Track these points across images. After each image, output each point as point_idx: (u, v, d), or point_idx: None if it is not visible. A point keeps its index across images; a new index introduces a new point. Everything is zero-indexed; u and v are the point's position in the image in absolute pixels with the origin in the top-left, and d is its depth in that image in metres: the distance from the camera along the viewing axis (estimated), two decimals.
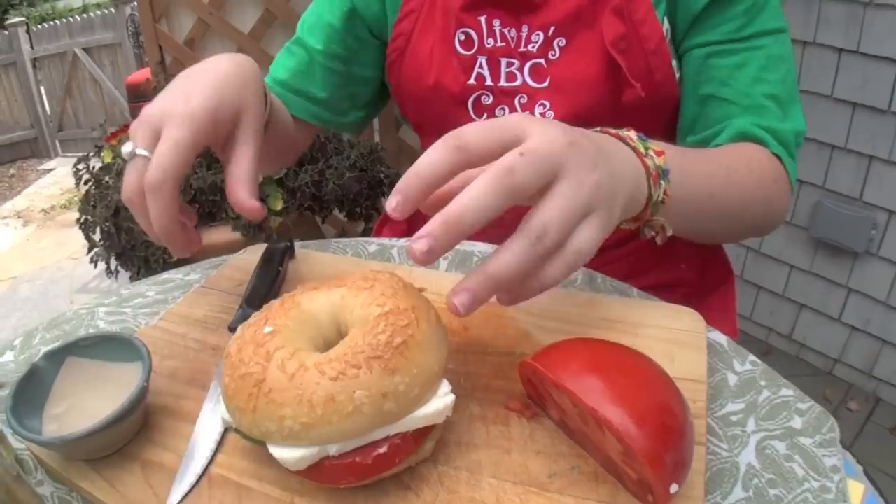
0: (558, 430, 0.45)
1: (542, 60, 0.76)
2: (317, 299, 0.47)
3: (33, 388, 0.48)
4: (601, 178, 0.44)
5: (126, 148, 0.53)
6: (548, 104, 0.76)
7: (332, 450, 0.40)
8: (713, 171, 0.64)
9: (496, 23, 0.76)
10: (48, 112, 6.27)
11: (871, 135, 1.78)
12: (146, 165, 0.52)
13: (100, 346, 0.51)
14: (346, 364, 0.40)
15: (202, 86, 0.56)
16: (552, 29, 0.74)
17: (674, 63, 0.75)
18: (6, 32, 5.91)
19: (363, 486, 0.42)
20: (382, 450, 0.40)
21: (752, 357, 0.55)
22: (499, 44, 0.76)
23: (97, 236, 1.69)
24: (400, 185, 0.41)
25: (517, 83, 0.77)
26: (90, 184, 1.65)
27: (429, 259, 0.39)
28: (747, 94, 0.73)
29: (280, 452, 0.40)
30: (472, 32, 0.77)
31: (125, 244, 1.60)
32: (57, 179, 5.49)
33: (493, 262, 0.40)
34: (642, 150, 0.53)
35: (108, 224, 1.60)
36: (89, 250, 1.71)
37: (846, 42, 1.77)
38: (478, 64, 0.77)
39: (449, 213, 0.39)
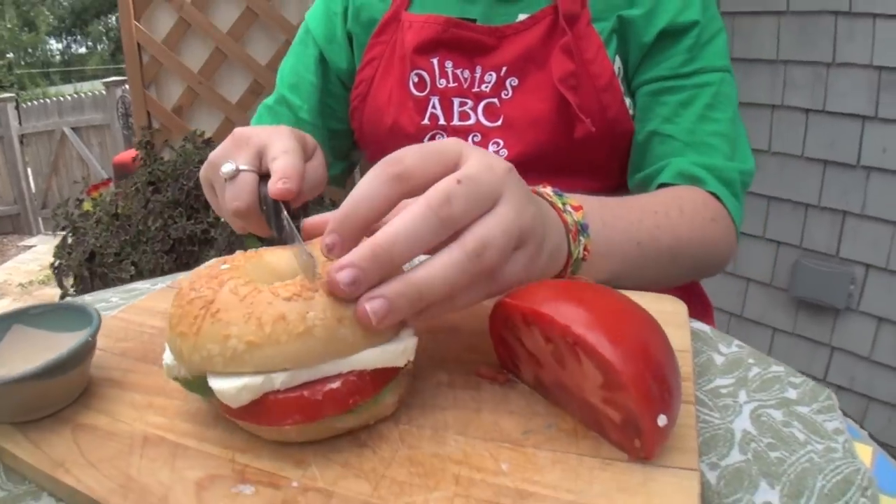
0: (534, 393, 0.42)
1: (496, 100, 0.77)
2: (280, 254, 0.45)
3: None
4: (537, 212, 0.42)
5: (226, 168, 0.54)
6: (501, 142, 0.78)
7: (278, 381, 0.35)
8: (639, 218, 0.62)
9: (448, 64, 0.78)
10: (33, 189, 6.27)
11: (843, 190, 1.82)
12: (254, 180, 0.54)
13: (50, 316, 0.48)
14: (303, 287, 0.37)
15: (275, 129, 0.59)
16: (504, 69, 0.76)
17: (627, 101, 0.77)
18: None
19: (313, 442, 0.38)
20: (335, 385, 0.36)
21: (737, 341, 0.53)
22: (451, 84, 0.78)
23: (69, 282, 1.64)
24: (335, 223, 0.37)
25: (470, 122, 0.78)
26: (67, 230, 1.62)
27: (354, 291, 0.35)
28: (691, 132, 0.74)
29: (220, 384, 0.36)
30: (425, 74, 0.79)
31: (98, 290, 1.56)
32: (37, 256, 5.40)
33: (422, 272, 0.36)
34: (560, 205, 0.51)
35: (82, 268, 1.56)
36: (61, 297, 1.66)
37: (812, 102, 1.84)
38: (431, 104, 0.79)
39: (378, 242, 0.35)
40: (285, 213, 0.50)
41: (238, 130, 0.58)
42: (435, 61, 0.78)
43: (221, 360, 0.35)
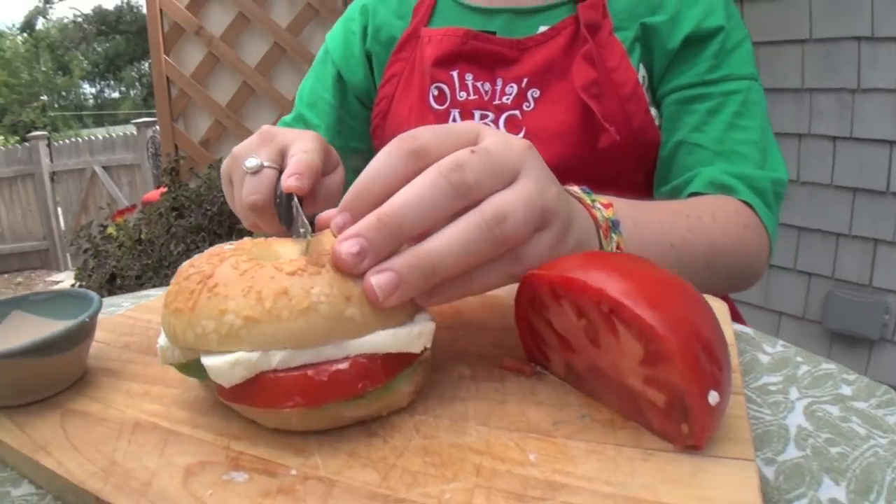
0: (564, 385, 0.38)
1: (517, 112, 0.75)
2: (288, 244, 0.42)
3: None
4: (560, 193, 0.39)
5: (251, 162, 0.53)
6: None
7: (276, 359, 0.32)
8: (671, 221, 0.59)
9: (468, 77, 0.76)
10: (62, 225, 6.38)
11: (873, 218, 1.77)
12: (274, 177, 0.53)
13: (51, 303, 0.47)
14: (308, 263, 0.34)
15: (303, 132, 0.58)
16: (525, 81, 0.74)
17: (653, 110, 0.74)
18: (27, 145, 6.14)
19: (318, 431, 0.34)
20: (342, 366, 0.32)
21: (782, 341, 0.49)
22: (472, 97, 0.76)
23: None
24: (348, 199, 0.34)
25: None
26: (89, 252, 1.62)
27: (358, 263, 0.32)
28: (720, 140, 0.71)
29: (213, 360, 0.32)
30: (445, 87, 0.77)
31: None
32: None
33: (434, 242, 0.33)
34: (588, 201, 0.48)
35: (103, 290, 1.55)
36: None
37: (839, 129, 1.80)
38: (451, 117, 0.77)
39: (385, 210, 0.32)
40: (296, 203, 0.48)
41: (265, 128, 0.57)
42: (455, 74, 0.77)
43: (216, 337, 0.32)
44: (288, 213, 0.50)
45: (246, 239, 0.42)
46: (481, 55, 0.76)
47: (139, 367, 0.44)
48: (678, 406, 0.29)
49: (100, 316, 0.59)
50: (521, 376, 0.39)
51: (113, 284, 1.56)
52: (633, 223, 0.53)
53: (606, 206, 0.49)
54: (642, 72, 0.74)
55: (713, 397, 0.28)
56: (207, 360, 0.32)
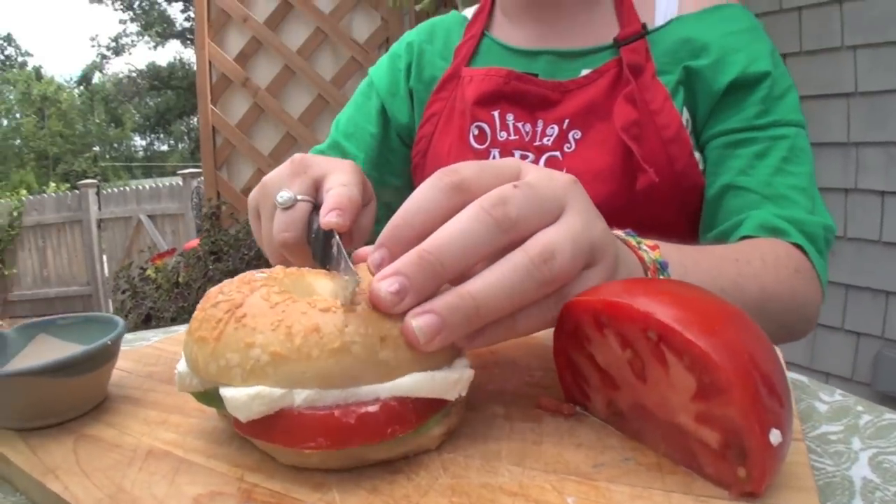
0: (606, 427, 0.35)
1: (558, 153, 0.74)
2: (322, 276, 0.40)
3: None
4: (606, 228, 0.37)
5: (283, 196, 0.50)
6: None
7: (300, 398, 0.30)
8: (721, 266, 0.56)
9: (509, 117, 0.76)
10: (105, 272, 6.55)
11: None
12: (308, 211, 0.50)
13: (77, 328, 0.46)
14: (344, 303, 0.32)
15: (339, 161, 0.56)
16: (567, 122, 0.73)
17: (697, 155, 0.73)
18: (77, 192, 6.38)
19: (337, 468, 0.32)
20: (372, 408, 0.30)
21: (840, 391, 0.45)
22: (512, 137, 0.76)
23: None
24: (386, 235, 0.33)
25: None
26: (127, 293, 1.64)
27: (398, 302, 0.30)
28: (768, 184, 0.69)
29: (231, 393, 0.30)
30: (486, 126, 0.77)
31: None
32: None
33: (479, 282, 0.31)
34: (634, 243, 0.46)
35: (138, 330, 1.56)
36: None
37: (887, 183, 1.75)
38: (491, 156, 0.76)
39: (426, 247, 0.31)
40: (338, 240, 0.45)
41: (298, 156, 0.53)
42: (496, 114, 0.76)
43: (240, 371, 0.30)
44: (325, 251, 0.47)
45: (278, 267, 0.41)
46: (523, 96, 0.75)
47: (160, 395, 0.43)
48: (735, 446, 0.26)
49: (127, 347, 0.58)
50: (558, 417, 0.36)
51: (148, 325, 1.57)
52: (682, 266, 0.50)
53: (653, 248, 0.47)
54: (686, 115, 0.72)
55: (775, 436, 0.25)
56: (226, 392, 0.31)
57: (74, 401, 0.39)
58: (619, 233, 0.47)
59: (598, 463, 0.31)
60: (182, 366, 0.35)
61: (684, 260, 0.51)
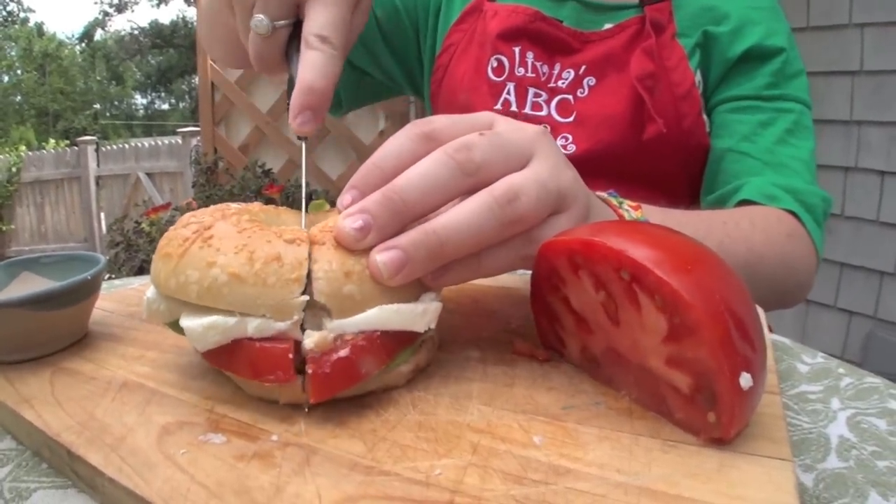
0: (580, 373, 0.34)
1: (570, 97, 0.75)
2: (298, 216, 0.40)
3: None
4: (577, 177, 0.37)
5: (259, 23, 0.43)
6: (570, 137, 0.75)
7: (252, 326, 0.30)
8: (708, 227, 0.56)
9: (529, 55, 0.77)
10: (103, 229, 6.53)
11: None
12: (284, 37, 0.44)
13: (60, 266, 0.47)
14: (310, 235, 0.32)
15: None
16: (583, 68, 0.75)
17: (704, 117, 0.74)
18: (76, 148, 6.32)
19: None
20: (343, 353, 0.30)
21: (822, 354, 0.45)
22: (529, 74, 0.77)
23: None
24: (357, 178, 0.33)
25: (542, 113, 0.77)
26: (120, 245, 1.64)
27: (361, 238, 0.31)
28: (770, 152, 0.69)
29: (189, 323, 0.30)
30: (505, 60, 0.77)
31: None
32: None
33: (443, 218, 0.31)
34: (615, 203, 0.46)
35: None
36: None
37: (888, 164, 1.73)
38: (506, 90, 0.77)
39: (390, 186, 0.31)
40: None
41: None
42: (517, 50, 0.77)
43: (197, 288, 0.30)
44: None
45: (256, 203, 0.40)
46: (545, 37, 0.76)
47: (140, 333, 0.43)
48: (705, 390, 0.26)
49: (112, 290, 0.58)
50: (533, 362, 0.36)
51: (138, 276, 1.57)
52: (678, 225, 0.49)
53: (635, 208, 0.47)
54: (698, 77, 0.73)
55: (745, 380, 0.25)
56: (184, 322, 0.31)
57: (54, 335, 0.39)
58: (601, 193, 0.46)
59: (568, 405, 0.31)
60: (150, 292, 0.34)
61: (668, 221, 0.50)
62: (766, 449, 0.27)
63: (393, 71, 0.87)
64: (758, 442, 0.27)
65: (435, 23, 0.85)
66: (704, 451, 0.27)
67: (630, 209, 0.46)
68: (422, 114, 1.62)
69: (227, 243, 0.31)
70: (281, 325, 0.30)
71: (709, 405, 0.26)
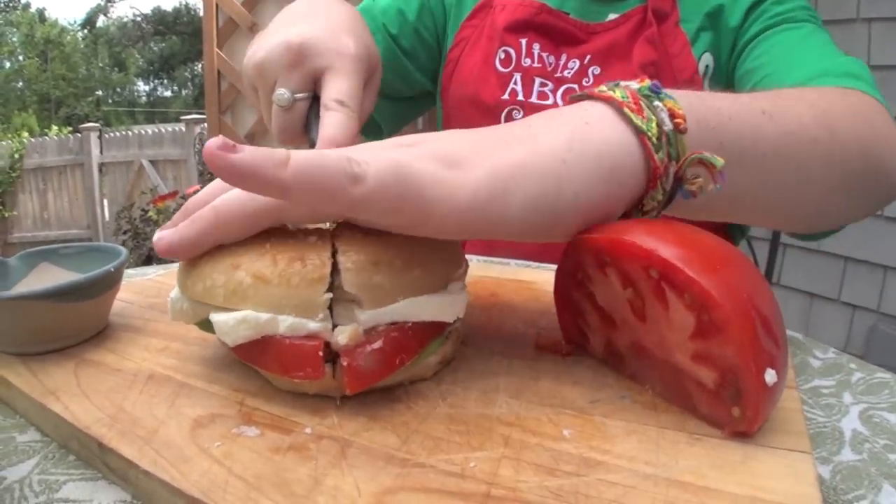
0: (603, 367, 0.35)
1: (576, 86, 0.77)
2: None
3: None
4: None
5: (281, 96, 0.47)
6: None
7: (283, 325, 0.30)
8: (750, 98, 0.41)
9: (535, 46, 0.78)
10: (106, 216, 6.53)
11: None
12: (306, 109, 0.48)
13: (79, 257, 0.46)
14: (332, 228, 0.33)
15: (343, 25, 0.50)
16: (588, 58, 0.76)
17: None
18: (79, 135, 6.32)
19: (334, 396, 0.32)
20: (376, 345, 0.30)
21: (833, 349, 0.45)
22: (535, 65, 0.78)
23: None
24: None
25: (548, 102, 0.78)
26: (128, 234, 1.64)
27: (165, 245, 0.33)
28: (790, 53, 0.65)
29: (219, 318, 0.31)
30: (512, 51, 0.79)
31: None
32: None
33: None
34: (606, 90, 0.35)
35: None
36: None
37: None
38: (513, 80, 0.79)
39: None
40: None
41: (297, 40, 0.47)
42: (524, 42, 0.78)
43: (223, 292, 0.31)
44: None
45: None
46: (551, 29, 0.78)
47: (161, 325, 0.43)
48: (730, 385, 0.27)
49: (128, 280, 0.59)
50: (556, 356, 0.36)
51: (149, 266, 1.58)
52: (695, 96, 0.37)
53: (639, 81, 0.36)
54: (707, 61, 0.73)
55: (770, 376, 0.25)
56: (215, 317, 0.31)
57: (76, 326, 0.40)
58: (603, 88, 0.35)
59: (595, 399, 0.31)
60: (174, 292, 0.35)
61: (701, 94, 0.38)
62: (786, 442, 0.28)
63: (424, 83, 0.88)
64: (778, 435, 0.28)
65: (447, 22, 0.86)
66: (728, 444, 0.27)
67: (628, 84, 0.35)
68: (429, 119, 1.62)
69: (251, 244, 0.32)
70: (313, 325, 0.30)
71: (734, 400, 0.27)
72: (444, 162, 0.29)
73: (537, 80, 0.78)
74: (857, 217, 0.51)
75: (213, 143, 0.25)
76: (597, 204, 0.31)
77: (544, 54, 0.78)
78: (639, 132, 0.32)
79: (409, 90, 0.88)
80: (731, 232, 0.81)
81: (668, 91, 0.34)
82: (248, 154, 0.25)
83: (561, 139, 0.31)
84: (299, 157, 0.26)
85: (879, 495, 0.29)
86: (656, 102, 0.33)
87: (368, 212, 0.27)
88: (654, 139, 0.31)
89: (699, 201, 0.33)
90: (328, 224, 0.34)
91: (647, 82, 0.34)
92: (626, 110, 0.32)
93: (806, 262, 1.98)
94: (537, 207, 0.30)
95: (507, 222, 0.29)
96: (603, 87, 0.35)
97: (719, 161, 0.32)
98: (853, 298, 1.90)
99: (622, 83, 0.35)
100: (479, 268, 0.56)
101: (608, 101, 0.33)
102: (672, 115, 0.32)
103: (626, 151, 0.32)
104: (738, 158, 0.36)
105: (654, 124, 0.32)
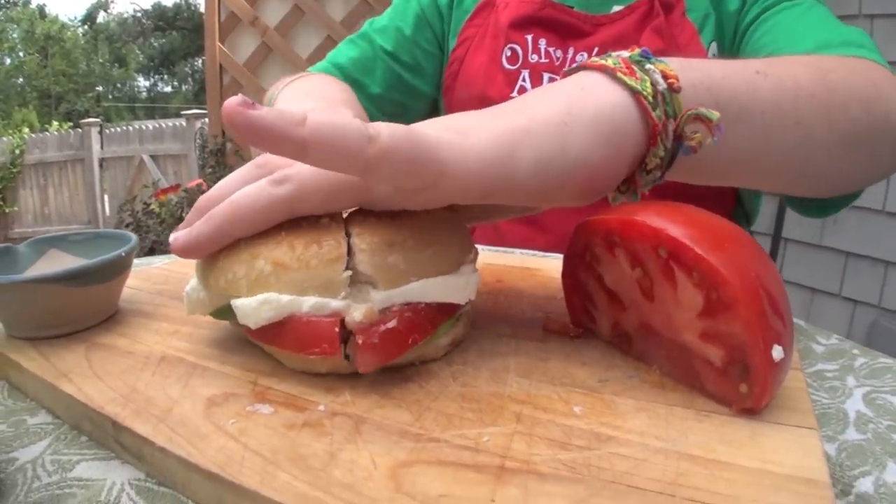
0: (611, 348, 0.35)
1: None
2: None
3: (4, 266, 0.42)
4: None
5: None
6: None
7: (306, 305, 0.31)
8: (744, 62, 0.41)
9: (542, 42, 0.78)
10: (107, 211, 6.53)
11: None
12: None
13: (88, 244, 0.47)
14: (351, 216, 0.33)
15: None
16: (595, 50, 0.75)
17: None
18: (79, 131, 6.32)
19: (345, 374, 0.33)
20: (391, 324, 0.31)
21: (836, 335, 0.46)
22: (542, 60, 0.77)
23: None
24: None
25: None
26: (130, 227, 1.65)
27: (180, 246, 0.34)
28: (792, 26, 0.64)
29: (241, 302, 0.32)
30: (518, 48, 0.78)
31: None
32: None
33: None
34: (598, 60, 0.36)
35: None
36: None
37: None
38: (521, 77, 0.78)
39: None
40: None
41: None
42: (529, 38, 0.78)
43: (246, 282, 0.32)
44: None
45: None
46: (556, 24, 0.77)
47: (171, 310, 0.44)
48: (738, 363, 0.27)
49: (135, 269, 0.59)
50: (564, 338, 0.37)
51: (153, 256, 1.59)
52: (687, 62, 0.38)
53: (630, 50, 0.37)
54: (714, 50, 0.73)
55: (777, 352, 0.26)
56: (236, 302, 0.32)
57: (87, 311, 0.40)
58: (595, 59, 0.37)
59: (604, 378, 0.32)
60: (190, 285, 0.36)
61: (694, 61, 0.39)
62: (793, 419, 0.28)
63: (431, 94, 0.88)
64: (784, 412, 0.28)
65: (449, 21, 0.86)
66: (736, 421, 0.28)
67: (619, 53, 0.36)
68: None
69: (269, 233, 0.32)
70: (335, 304, 0.31)
71: (741, 377, 0.27)
72: (453, 130, 0.30)
73: (546, 76, 0.77)
74: (872, 178, 0.49)
75: (234, 100, 0.26)
76: (601, 162, 0.32)
77: (551, 49, 0.77)
78: (634, 92, 0.33)
79: (418, 104, 0.88)
80: (735, 221, 0.81)
81: (659, 57, 0.36)
82: (267, 111, 0.26)
83: (559, 104, 0.32)
84: (317, 115, 0.26)
85: (885, 472, 0.29)
86: (648, 66, 0.34)
87: (382, 172, 0.27)
88: (649, 97, 0.33)
89: (702, 160, 0.35)
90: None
91: (638, 50, 0.36)
92: (619, 74, 0.33)
93: (807, 256, 1.98)
94: (544, 166, 0.31)
95: (517, 181, 0.30)
96: (595, 59, 0.36)
97: (714, 114, 0.33)
98: (854, 293, 1.90)
99: (613, 53, 0.36)
100: (485, 255, 0.56)
101: (601, 69, 0.34)
102: (665, 76, 0.34)
103: (623, 111, 0.33)
104: (735, 116, 0.37)
105: (647, 84, 0.33)
